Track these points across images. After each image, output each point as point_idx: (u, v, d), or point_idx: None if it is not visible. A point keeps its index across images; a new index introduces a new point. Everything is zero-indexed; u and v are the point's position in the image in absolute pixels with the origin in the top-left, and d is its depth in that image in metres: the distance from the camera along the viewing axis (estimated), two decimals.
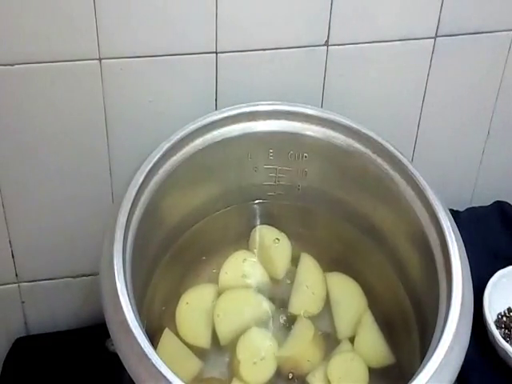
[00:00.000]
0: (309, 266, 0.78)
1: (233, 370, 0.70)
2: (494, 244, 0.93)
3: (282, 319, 0.75)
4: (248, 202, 0.81)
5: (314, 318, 0.75)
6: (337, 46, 0.79)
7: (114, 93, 0.76)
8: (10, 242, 0.84)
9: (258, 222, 0.81)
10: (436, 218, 0.66)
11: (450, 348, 0.56)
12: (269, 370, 0.70)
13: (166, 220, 0.73)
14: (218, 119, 0.73)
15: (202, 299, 0.74)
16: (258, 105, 0.74)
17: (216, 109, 0.79)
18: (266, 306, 0.75)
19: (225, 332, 0.72)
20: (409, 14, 0.80)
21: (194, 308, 0.73)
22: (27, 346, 0.89)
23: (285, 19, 0.76)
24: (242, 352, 0.70)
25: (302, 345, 0.72)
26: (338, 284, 0.77)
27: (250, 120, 0.74)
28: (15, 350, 0.88)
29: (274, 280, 0.78)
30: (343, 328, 0.74)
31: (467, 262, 0.63)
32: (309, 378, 0.70)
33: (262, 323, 0.74)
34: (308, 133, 0.75)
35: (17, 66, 0.72)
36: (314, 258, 0.78)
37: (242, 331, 0.72)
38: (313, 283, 0.77)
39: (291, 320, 0.75)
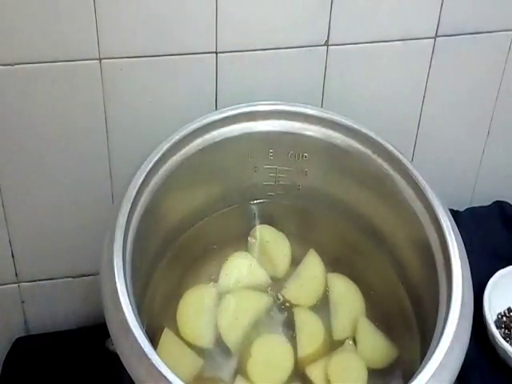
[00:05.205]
0: (311, 260, 0.78)
1: (241, 372, 0.70)
2: (494, 244, 0.93)
3: (284, 317, 0.75)
4: (248, 202, 0.81)
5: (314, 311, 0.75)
6: (337, 46, 0.79)
7: (114, 93, 0.76)
8: (10, 241, 0.84)
9: (258, 222, 0.81)
10: (436, 217, 0.66)
11: (450, 348, 0.56)
12: (284, 374, 0.70)
13: (166, 220, 0.73)
14: (217, 119, 0.73)
15: (202, 299, 0.74)
16: (257, 105, 0.75)
17: (216, 109, 0.79)
18: (267, 305, 0.75)
19: (231, 337, 0.72)
20: (409, 14, 0.80)
21: (194, 308, 0.73)
22: (27, 346, 0.88)
23: (285, 19, 0.76)
24: (258, 356, 0.70)
25: (315, 344, 0.72)
26: (337, 284, 0.77)
27: (249, 120, 0.74)
28: (15, 350, 0.88)
29: (273, 280, 0.78)
30: (342, 328, 0.74)
31: (467, 262, 0.63)
32: (308, 374, 0.70)
33: (265, 323, 0.74)
34: (308, 133, 0.75)
35: (17, 65, 0.72)
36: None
37: (247, 332, 0.72)
38: (313, 275, 0.77)
39: (292, 319, 0.75)
